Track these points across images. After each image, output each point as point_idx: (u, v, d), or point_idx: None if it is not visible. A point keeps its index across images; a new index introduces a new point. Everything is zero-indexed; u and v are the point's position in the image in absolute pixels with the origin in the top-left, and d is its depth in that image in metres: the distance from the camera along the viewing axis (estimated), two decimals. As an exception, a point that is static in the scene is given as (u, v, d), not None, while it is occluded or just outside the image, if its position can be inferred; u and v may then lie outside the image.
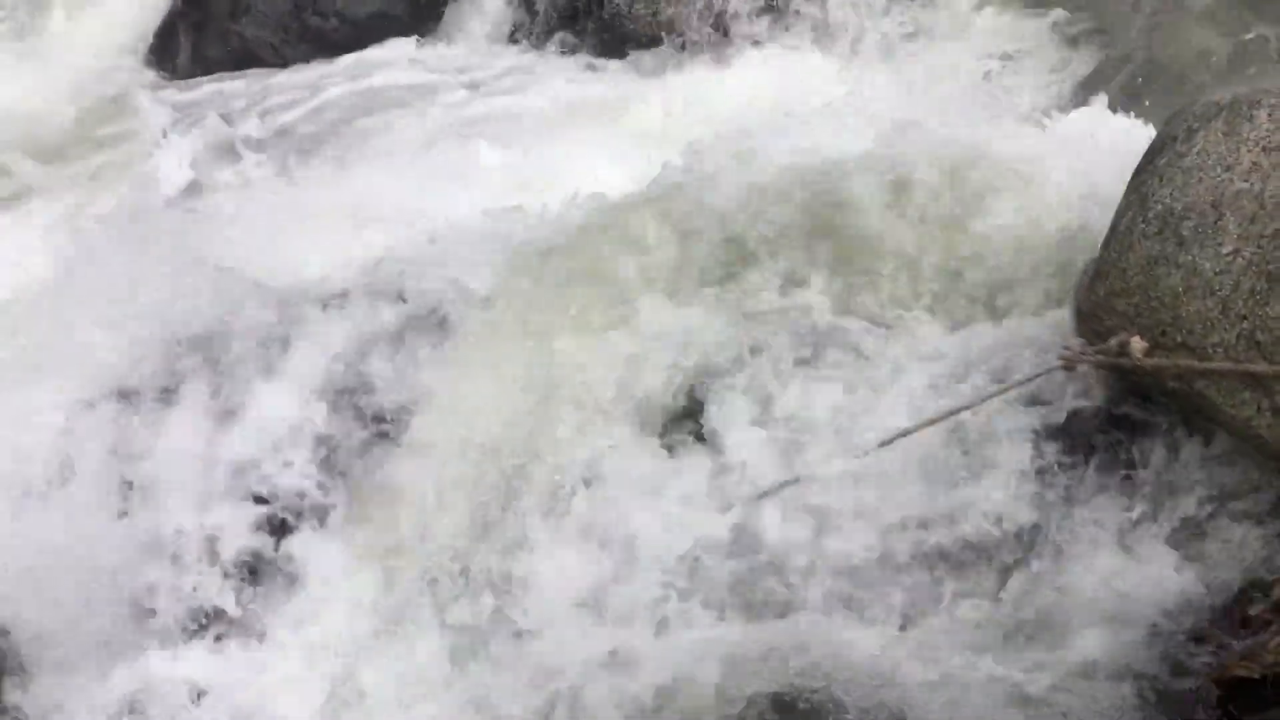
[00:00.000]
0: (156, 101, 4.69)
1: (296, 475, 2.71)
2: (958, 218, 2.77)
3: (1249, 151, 2.26)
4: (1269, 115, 2.27)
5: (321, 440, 2.73)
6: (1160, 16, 3.72)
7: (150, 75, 5.11)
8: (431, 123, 4.01)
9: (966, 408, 2.39)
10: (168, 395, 2.86)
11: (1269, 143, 2.25)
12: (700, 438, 2.57)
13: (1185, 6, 3.59)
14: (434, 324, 2.82)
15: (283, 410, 2.77)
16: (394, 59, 4.62)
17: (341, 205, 3.29)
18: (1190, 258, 2.26)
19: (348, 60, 4.61)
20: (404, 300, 2.87)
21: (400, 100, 4.23)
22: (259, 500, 2.71)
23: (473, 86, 4.29)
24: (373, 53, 4.67)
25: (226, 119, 4.27)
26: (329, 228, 3.15)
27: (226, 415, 2.79)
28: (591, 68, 4.43)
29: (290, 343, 2.85)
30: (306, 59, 4.80)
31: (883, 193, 2.73)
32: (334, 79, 4.42)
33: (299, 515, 2.68)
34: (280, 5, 4.94)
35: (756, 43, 4.29)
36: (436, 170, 3.52)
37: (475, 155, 3.59)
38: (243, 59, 4.92)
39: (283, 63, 4.82)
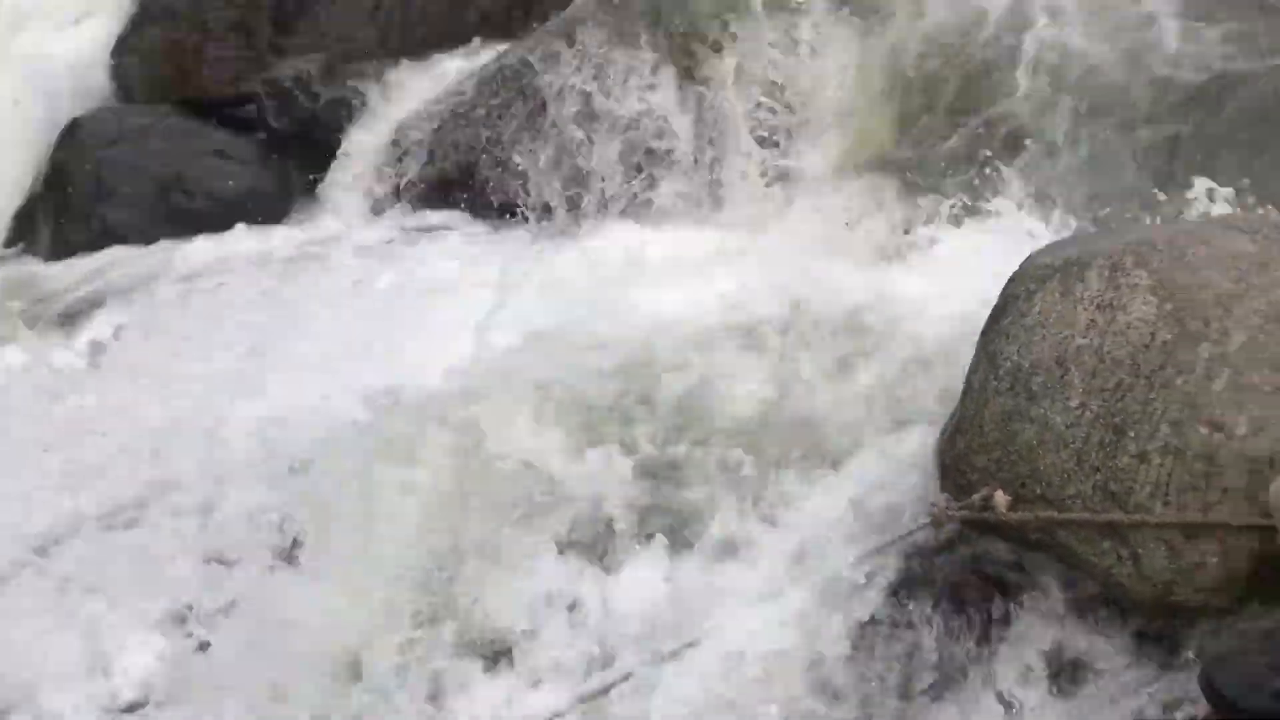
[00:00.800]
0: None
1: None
2: (819, 372, 2.85)
3: (1084, 310, 2.39)
4: (1098, 275, 2.42)
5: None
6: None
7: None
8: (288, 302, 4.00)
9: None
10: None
11: (1101, 300, 2.39)
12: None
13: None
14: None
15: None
16: (258, 237, 4.61)
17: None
18: (1042, 412, 2.36)
19: (209, 242, 4.58)
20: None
21: (256, 280, 4.21)
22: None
23: (336, 260, 4.31)
24: (238, 232, 4.65)
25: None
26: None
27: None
28: (459, 237, 4.48)
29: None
30: (173, 238, 4.74)
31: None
32: (194, 260, 4.38)
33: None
34: (145, 186, 4.89)
35: (627, 214, 4.41)
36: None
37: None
38: (106, 241, 4.84)
39: (147, 243, 4.75)
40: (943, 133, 4.06)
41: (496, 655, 2.50)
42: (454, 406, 2.80)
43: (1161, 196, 3.27)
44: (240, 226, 4.65)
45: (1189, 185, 3.21)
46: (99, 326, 4.18)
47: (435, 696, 2.45)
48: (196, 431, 3.28)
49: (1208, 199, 3.10)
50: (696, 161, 4.54)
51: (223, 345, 3.74)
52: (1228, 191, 3.11)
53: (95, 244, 4.81)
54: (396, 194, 4.78)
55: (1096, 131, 3.80)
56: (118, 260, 4.57)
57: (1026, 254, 2.65)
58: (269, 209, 4.83)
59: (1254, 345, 2.22)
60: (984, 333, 2.56)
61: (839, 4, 4.50)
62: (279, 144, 5.04)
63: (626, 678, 2.34)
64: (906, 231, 3.81)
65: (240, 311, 4.05)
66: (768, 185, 4.46)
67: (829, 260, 3.83)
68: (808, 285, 3.35)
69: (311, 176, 4.95)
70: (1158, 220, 3.10)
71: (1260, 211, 2.92)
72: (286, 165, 5.00)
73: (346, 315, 3.89)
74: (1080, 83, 3.93)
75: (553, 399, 2.79)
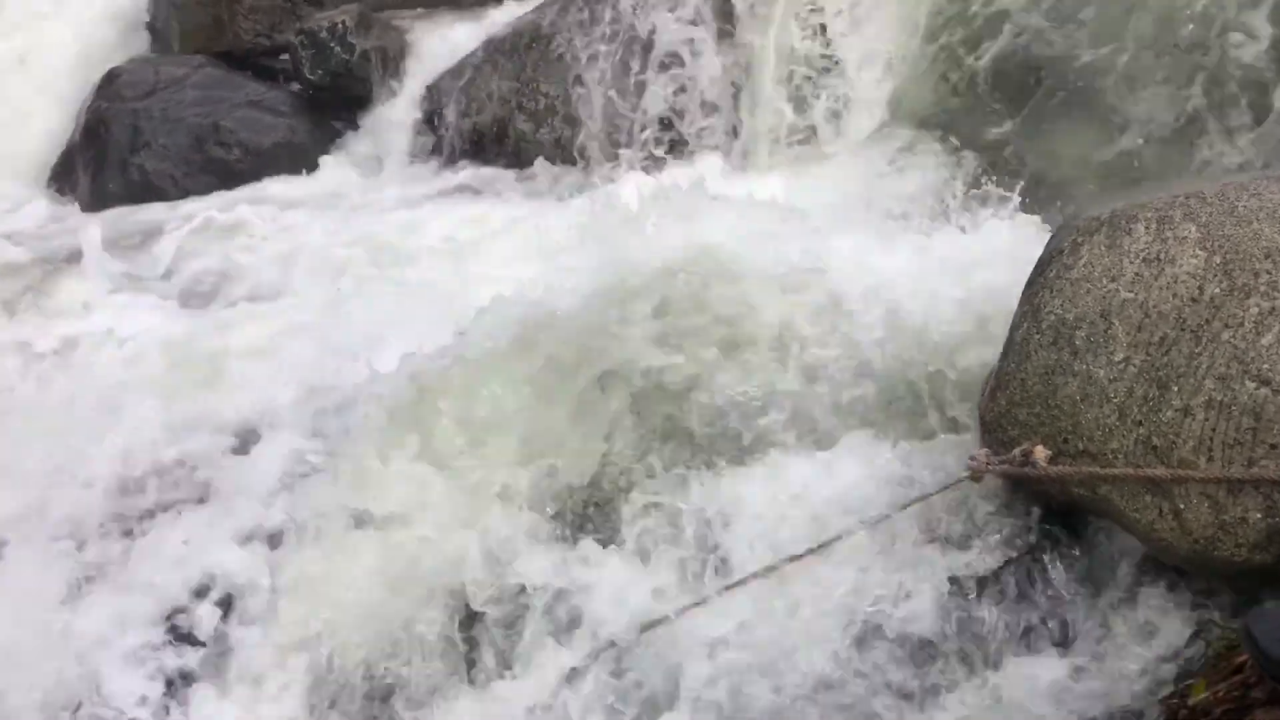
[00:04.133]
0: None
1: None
2: (856, 324, 2.83)
3: (1131, 263, 2.35)
4: (1145, 228, 2.38)
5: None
6: (1038, 126, 3.89)
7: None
8: (325, 253, 4.00)
9: (881, 519, 2.42)
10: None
11: (1148, 254, 2.35)
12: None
13: (1056, 125, 3.76)
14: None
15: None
16: (295, 188, 4.62)
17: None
18: (1085, 366, 2.33)
19: (249, 191, 4.60)
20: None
21: (294, 230, 4.22)
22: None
23: (371, 211, 4.30)
24: (274, 183, 4.66)
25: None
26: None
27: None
28: (494, 192, 4.47)
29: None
30: (208, 190, 4.76)
31: (775, 296, 2.80)
32: (233, 210, 4.39)
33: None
34: (181, 138, 4.92)
35: (659, 164, 4.38)
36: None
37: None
38: (144, 191, 4.87)
39: (184, 194, 4.78)
40: (988, 100, 3.99)
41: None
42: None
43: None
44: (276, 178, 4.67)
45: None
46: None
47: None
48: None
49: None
50: (729, 113, 4.51)
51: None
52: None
53: (133, 194, 4.84)
54: (433, 146, 4.78)
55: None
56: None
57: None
58: (304, 159, 4.85)
59: (1305, 300, 2.19)
60: (1028, 285, 2.53)
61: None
62: (314, 95, 5.06)
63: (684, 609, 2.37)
64: (952, 193, 3.76)
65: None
66: (803, 138, 4.42)
67: (866, 213, 3.81)
68: (845, 239, 3.32)
69: (347, 127, 4.96)
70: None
71: None
72: (322, 116, 5.01)
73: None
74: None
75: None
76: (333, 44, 5.00)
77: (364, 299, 3.54)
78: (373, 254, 3.96)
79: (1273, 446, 2.12)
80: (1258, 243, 2.27)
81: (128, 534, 2.89)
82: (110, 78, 5.15)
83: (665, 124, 4.48)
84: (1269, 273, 2.23)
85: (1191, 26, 3.68)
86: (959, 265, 3.06)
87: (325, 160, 4.86)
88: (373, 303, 3.50)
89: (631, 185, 4.21)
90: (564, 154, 4.55)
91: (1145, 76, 3.66)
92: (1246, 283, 2.24)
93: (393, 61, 5.00)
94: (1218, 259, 2.28)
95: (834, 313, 2.81)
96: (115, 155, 4.98)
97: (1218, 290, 2.25)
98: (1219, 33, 3.64)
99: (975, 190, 3.77)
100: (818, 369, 2.71)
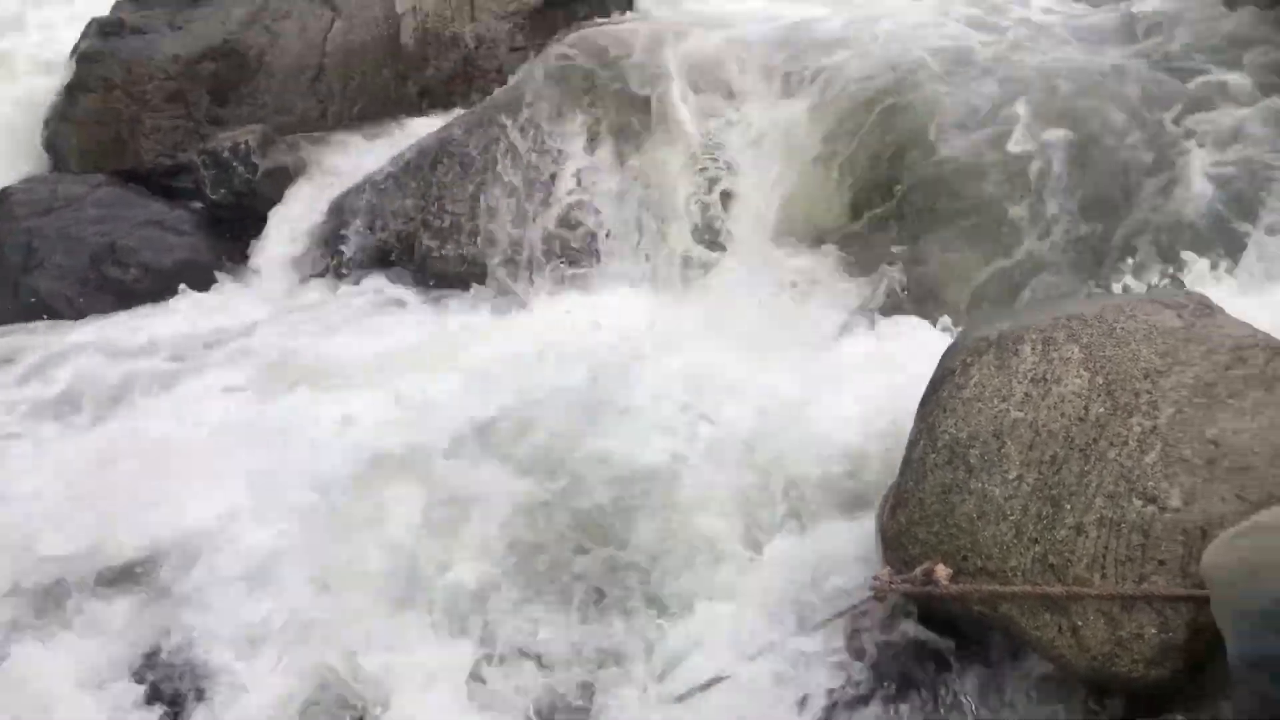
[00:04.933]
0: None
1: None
2: (755, 443, 2.87)
3: (1019, 384, 2.43)
4: (1032, 349, 2.47)
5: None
6: (933, 245, 4.03)
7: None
8: (215, 375, 3.92)
9: (770, 648, 2.41)
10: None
11: (1035, 374, 2.43)
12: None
13: (951, 244, 3.91)
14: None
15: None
16: (193, 307, 4.55)
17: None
18: (981, 485, 2.39)
19: (147, 311, 4.51)
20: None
21: (186, 353, 4.13)
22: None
23: (267, 332, 4.23)
24: (175, 303, 4.59)
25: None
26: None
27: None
28: (398, 307, 4.46)
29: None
30: (106, 311, 4.66)
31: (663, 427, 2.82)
32: (125, 333, 4.29)
33: None
34: (78, 257, 4.82)
35: (563, 284, 4.42)
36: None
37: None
38: (37, 312, 4.74)
39: (80, 315, 4.67)
40: (878, 209, 4.14)
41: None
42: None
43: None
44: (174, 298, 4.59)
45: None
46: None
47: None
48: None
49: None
50: (632, 232, 4.58)
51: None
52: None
53: (26, 315, 4.71)
54: (334, 265, 4.75)
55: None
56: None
57: (960, 330, 2.70)
58: (206, 279, 4.78)
59: (1182, 419, 2.28)
60: (922, 404, 2.60)
61: (776, 83, 4.61)
62: (217, 214, 5.01)
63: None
64: (843, 306, 3.86)
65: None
66: (703, 257, 4.50)
67: (764, 333, 3.88)
68: (742, 361, 3.39)
69: (249, 246, 4.92)
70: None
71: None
72: (224, 235, 4.97)
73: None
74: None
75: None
76: (235, 163, 4.98)
77: (238, 430, 3.45)
78: (263, 377, 3.89)
79: (1161, 563, 2.19)
80: (1136, 363, 2.37)
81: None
82: (3, 197, 5.05)
83: (567, 245, 4.53)
84: (1148, 392, 2.33)
85: (1091, 152, 3.89)
86: (855, 383, 3.14)
87: (227, 279, 4.79)
88: (251, 432, 3.42)
89: (530, 311, 4.29)
90: (469, 273, 4.56)
91: (1040, 200, 3.83)
92: (1128, 402, 2.33)
93: (296, 180, 5.00)
94: (1100, 379, 2.37)
95: (727, 435, 2.85)
96: (7, 275, 4.86)
97: (1102, 410, 2.34)
98: (1111, 155, 3.86)
99: (871, 308, 3.89)
100: (710, 496, 2.74)
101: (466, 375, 3.56)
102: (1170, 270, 3.44)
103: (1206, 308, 2.50)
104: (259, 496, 2.94)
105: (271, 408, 3.52)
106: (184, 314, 4.50)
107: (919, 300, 3.82)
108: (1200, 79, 4.05)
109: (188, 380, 3.89)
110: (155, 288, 4.72)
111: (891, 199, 4.20)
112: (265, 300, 4.58)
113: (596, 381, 3.27)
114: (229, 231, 4.96)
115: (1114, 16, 4.75)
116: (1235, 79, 4.01)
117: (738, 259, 4.45)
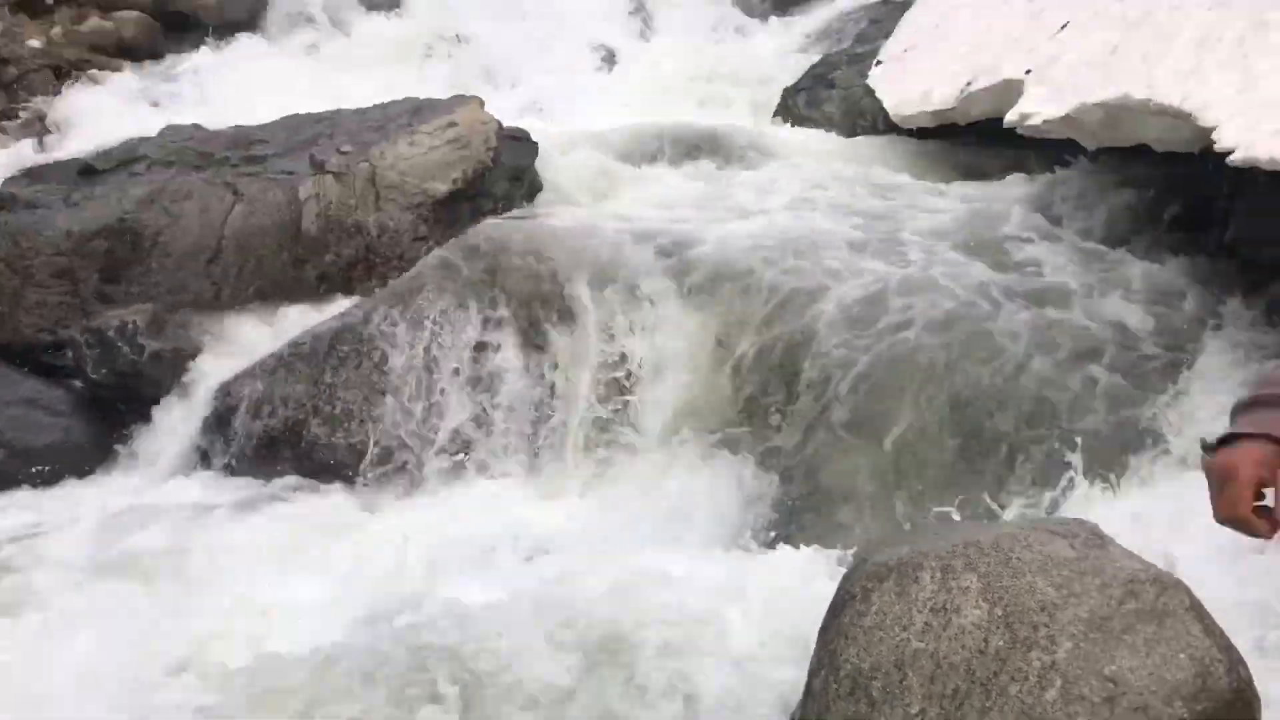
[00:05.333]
0: None
1: None
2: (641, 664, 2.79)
3: (920, 613, 2.42)
4: (931, 577, 2.47)
5: None
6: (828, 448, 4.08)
7: None
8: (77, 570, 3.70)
9: None
10: None
11: (935, 604, 2.42)
12: None
13: (839, 446, 3.96)
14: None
15: None
16: (64, 493, 4.33)
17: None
18: (883, 718, 2.34)
19: (8, 498, 4.27)
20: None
21: (52, 542, 3.90)
22: None
23: (140, 523, 4.03)
24: (44, 487, 4.36)
25: None
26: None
27: None
28: (278, 501, 4.30)
29: None
30: (-30, 492, 4.40)
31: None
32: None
33: None
34: (-62, 438, 4.58)
35: (455, 476, 4.34)
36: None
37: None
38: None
39: (-64, 500, 4.40)
40: (773, 409, 4.19)
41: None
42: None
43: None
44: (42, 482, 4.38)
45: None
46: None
47: None
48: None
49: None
50: (530, 427, 4.55)
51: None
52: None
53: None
54: (219, 451, 4.59)
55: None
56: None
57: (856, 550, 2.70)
58: (80, 463, 4.57)
59: (1080, 654, 2.28)
60: (823, 630, 2.57)
61: (675, 281, 4.71)
62: (97, 395, 4.83)
63: None
64: (743, 511, 3.85)
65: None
66: (600, 455, 4.48)
67: (658, 539, 3.84)
68: (633, 570, 3.32)
69: (130, 430, 4.73)
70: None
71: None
72: (104, 418, 4.78)
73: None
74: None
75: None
76: (121, 343, 4.84)
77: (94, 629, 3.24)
78: (128, 574, 3.69)
79: (1066, 807, 2.15)
80: (1033, 595, 2.38)
81: None
82: None
83: (461, 437, 4.47)
84: (1046, 625, 2.33)
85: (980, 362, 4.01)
86: (752, 593, 3.10)
87: (103, 465, 4.59)
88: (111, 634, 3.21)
89: (417, 504, 4.19)
90: (358, 464, 4.45)
91: (937, 413, 3.92)
92: (1027, 635, 2.33)
93: (185, 362, 4.86)
94: (999, 611, 2.37)
95: (617, 650, 2.77)
96: None
97: (1001, 643, 2.33)
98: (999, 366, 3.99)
99: (767, 511, 3.89)
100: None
101: (335, 579, 3.44)
102: (1053, 493, 3.52)
103: (1098, 538, 2.54)
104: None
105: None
106: (47, 500, 4.27)
107: (815, 508, 3.84)
108: (1084, 302, 4.26)
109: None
110: (24, 470, 4.49)
111: (788, 400, 4.26)
112: (134, 491, 4.38)
113: (482, 586, 3.17)
114: (109, 414, 4.78)
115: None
116: (1121, 303, 4.23)
117: (634, 456, 4.44)
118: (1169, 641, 2.30)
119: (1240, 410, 2.01)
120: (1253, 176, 3.90)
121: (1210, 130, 3.86)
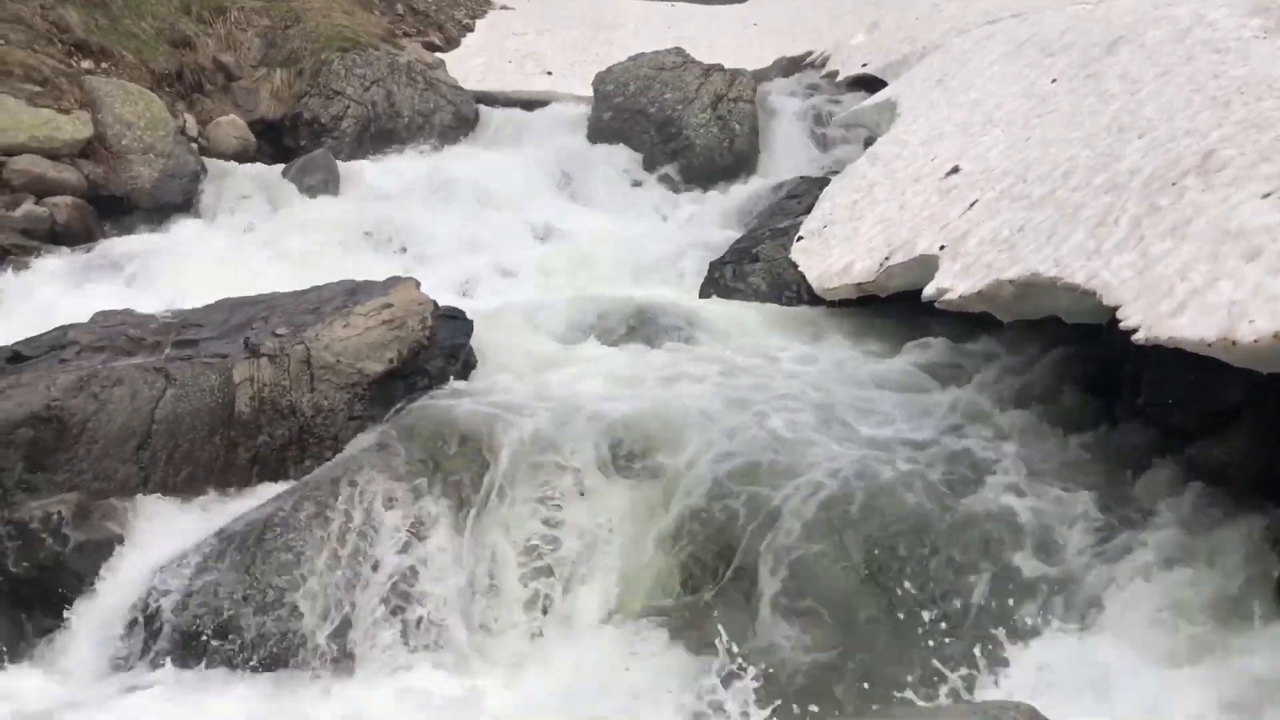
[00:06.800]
0: None
1: None
2: None
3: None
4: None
5: None
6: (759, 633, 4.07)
7: None
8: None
9: None
10: None
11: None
12: None
13: (779, 630, 3.97)
14: None
15: None
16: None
17: None
18: None
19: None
20: None
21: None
22: None
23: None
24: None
25: None
26: None
27: None
28: (210, 696, 4.16)
29: None
30: None
31: None
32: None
33: None
34: None
35: (390, 664, 4.26)
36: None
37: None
38: None
39: None
40: (712, 592, 4.20)
41: None
42: None
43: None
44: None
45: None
46: None
47: None
48: None
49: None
50: (463, 611, 4.51)
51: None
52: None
53: None
54: (146, 646, 4.45)
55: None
56: None
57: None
58: (-5, 662, 4.39)
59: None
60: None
61: (613, 461, 4.76)
62: (15, 589, 4.67)
63: None
64: (692, 688, 3.82)
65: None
66: (535, 634, 4.44)
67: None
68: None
69: (48, 626, 4.57)
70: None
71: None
72: (21, 613, 4.61)
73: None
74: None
75: None
76: (45, 534, 4.72)
77: None
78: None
79: None
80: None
81: None
82: None
83: (394, 623, 4.41)
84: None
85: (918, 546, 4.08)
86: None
87: (15, 663, 4.41)
88: None
89: (350, 694, 4.08)
90: (289, 652, 4.35)
91: (877, 587, 3.96)
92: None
93: (109, 555, 4.74)
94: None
95: None
96: None
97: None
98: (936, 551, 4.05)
99: (710, 695, 3.86)
100: None
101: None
102: (998, 675, 3.55)
103: None
104: None
105: None
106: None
107: (765, 684, 3.81)
108: (1012, 477, 4.38)
109: None
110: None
111: (730, 581, 4.28)
112: (52, 696, 4.21)
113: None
114: (28, 608, 4.62)
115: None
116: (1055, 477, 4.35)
117: (570, 640, 4.40)
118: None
119: None
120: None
121: (1115, 308, 4.05)
